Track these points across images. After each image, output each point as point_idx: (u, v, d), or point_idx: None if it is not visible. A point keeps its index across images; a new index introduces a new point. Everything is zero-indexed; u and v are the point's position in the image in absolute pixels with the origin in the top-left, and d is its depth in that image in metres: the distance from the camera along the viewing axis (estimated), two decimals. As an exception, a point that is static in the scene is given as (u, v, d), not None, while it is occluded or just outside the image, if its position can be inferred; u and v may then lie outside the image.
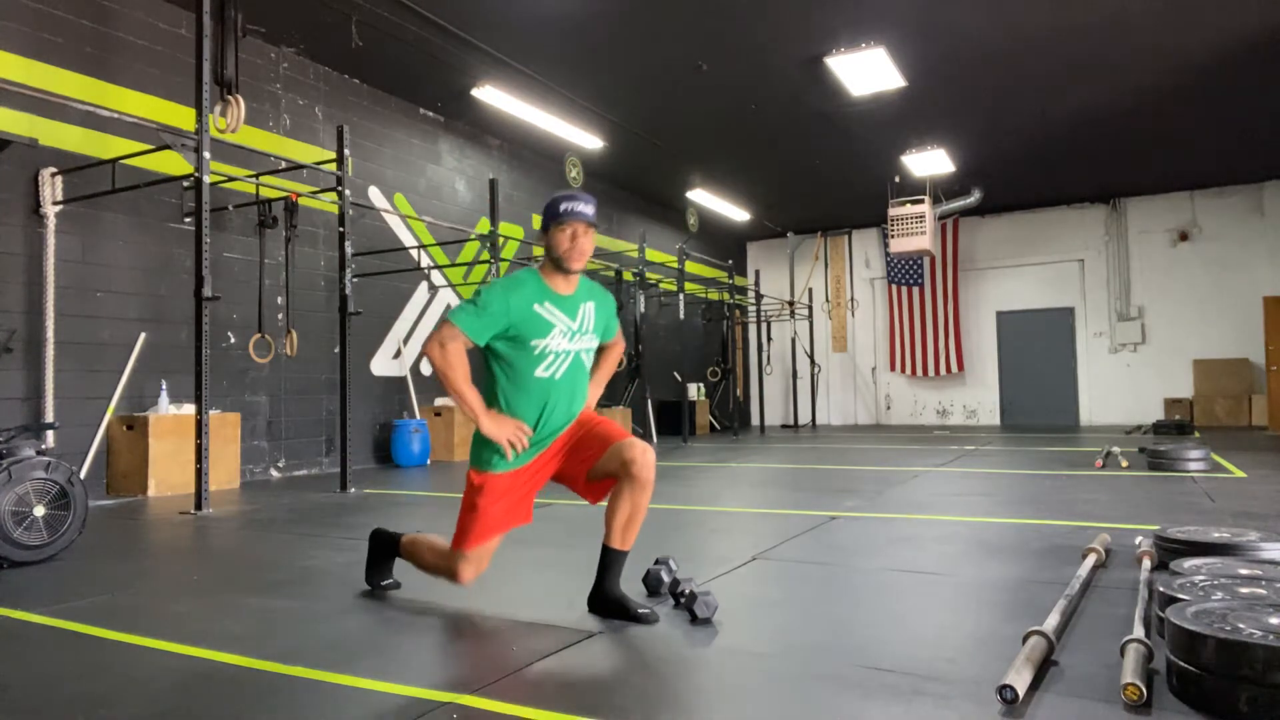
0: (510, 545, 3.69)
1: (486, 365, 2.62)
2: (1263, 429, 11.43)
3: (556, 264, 2.60)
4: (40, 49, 5.72)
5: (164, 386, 6.15)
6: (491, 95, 8.37)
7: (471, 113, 9.13)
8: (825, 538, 3.81)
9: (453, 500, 5.50)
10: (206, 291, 5.00)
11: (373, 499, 5.60)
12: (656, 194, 13.01)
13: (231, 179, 5.80)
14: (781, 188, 12.81)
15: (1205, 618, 1.83)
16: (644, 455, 2.46)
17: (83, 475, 5.58)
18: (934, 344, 14.79)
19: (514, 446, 2.50)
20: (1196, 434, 10.69)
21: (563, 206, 2.58)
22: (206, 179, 5.07)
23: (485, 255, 9.25)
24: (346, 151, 6.30)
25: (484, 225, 9.43)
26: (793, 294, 15.82)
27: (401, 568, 2.96)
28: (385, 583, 2.94)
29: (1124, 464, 6.76)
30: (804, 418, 15.64)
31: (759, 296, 14.14)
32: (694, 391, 13.02)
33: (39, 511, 3.52)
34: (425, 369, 8.91)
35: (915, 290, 14.95)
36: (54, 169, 5.68)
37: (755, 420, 15.80)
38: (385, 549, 2.94)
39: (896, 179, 11.88)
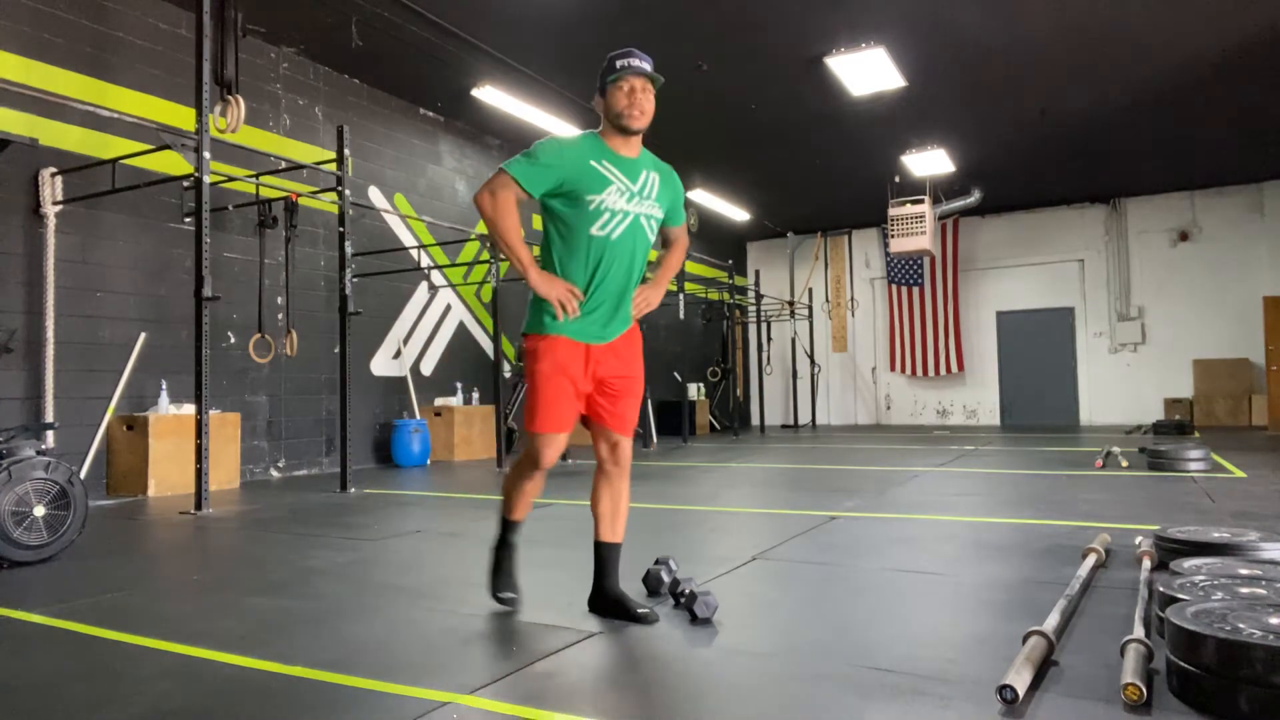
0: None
1: (544, 229, 2.53)
2: (1263, 429, 11.43)
3: (616, 125, 2.47)
4: (40, 49, 5.72)
5: (164, 386, 6.15)
6: (491, 95, 8.37)
7: (471, 113, 9.13)
8: (825, 538, 3.81)
9: (453, 500, 5.50)
10: (206, 291, 5.00)
11: (373, 499, 5.60)
12: (656, 194, 12.99)
13: (231, 179, 5.80)
14: (781, 188, 12.81)
15: (1205, 618, 1.83)
16: (629, 446, 2.56)
17: (83, 475, 5.58)
18: (934, 344, 14.79)
19: (564, 307, 2.38)
20: (1196, 434, 10.68)
21: (619, 63, 2.44)
22: (206, 179, 5.07)
23: (485, 255, 9.25)
24: (346, 151, 6.30)
25: (484, 225, 9.41)
26: (793, 294, 15.82)
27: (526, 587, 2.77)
28: (504, 595, 2.63)
29: (1124, 464, 6.76)
30: (804, 418, 15.64)
31: (759, 296, 14.14)
32: (694, 391, 13.02)
33: (39, 511, 3.52)
34: (425, 369, 8.91)
35: (915, 290, 14.95)
36: (54, 169, 5.68)
37: (755, 420, 15.79)
38: (501, 541, 2.68)
39: (896, 179, 11.88)
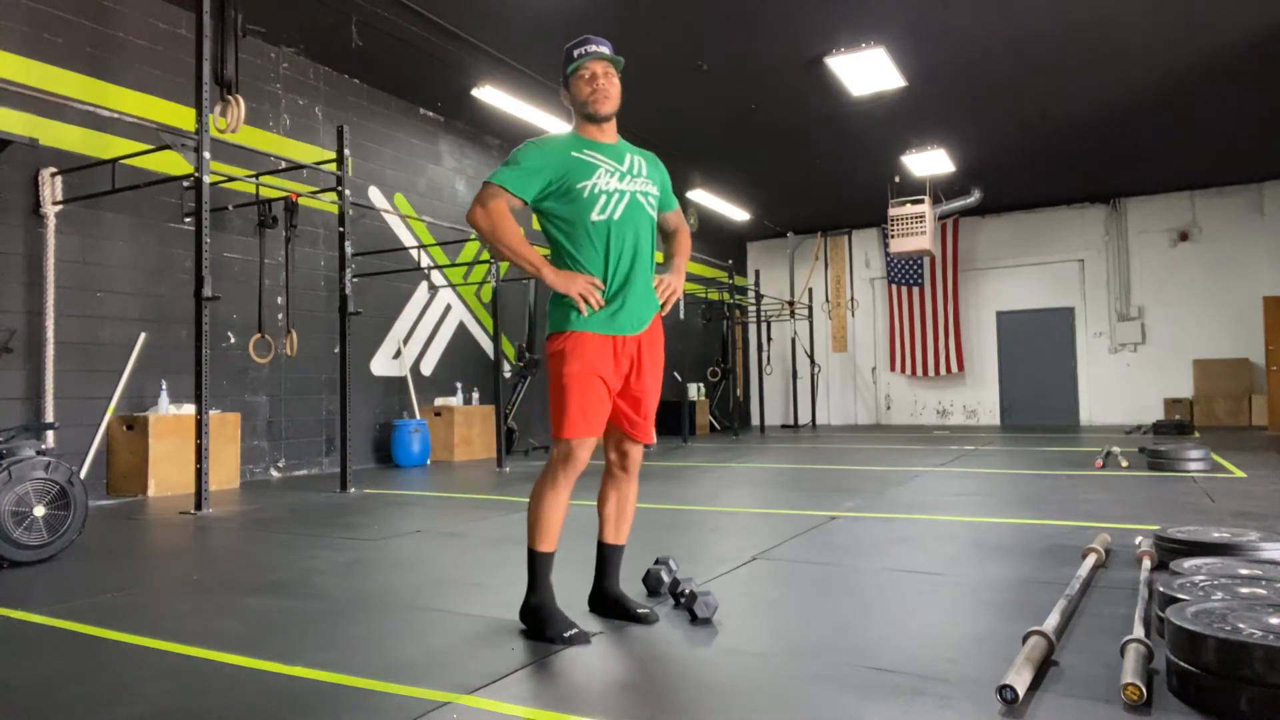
0: (510, 545, 3.69)
1: (547, 235, 2.47)
2: (1263, 429, 11.43)
3: (584, 114, 2.44)
4: (40, 49, 5.72)
5: (164, 386, 6.15)
6: (491, 95, 8.37)
7: (471, 113, 9.13)
8: (825, 538, 3.81)
9: (453, 500, 5.50)
10: (206, 291, 5.00)
11: (373, 499, 5.60)
12: (656, 194, 13.00)
13: (231, 179, 5.80)
14: (781, 188, 12.81)
15: (1205, 618, 1.83)
16: (640, 453, 2.53)
17: (83, 475, 5.58)
18: (934, 344, 14.79)
19: (588, 301, 2.31)
20: (1196, 434, 10.68)
21: (576, 51, 2.43)
22: (206, 179, 5.07)
23: (485, 255, 9.25)
24: (346, 151, 6.30)
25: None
26: (793, 294, 15.81)
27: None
28: (570, 633, 2.28)
29: (1124, 464, 6.76)
30: (804, 418, 15.64)
31: (759, 296, 14.13)
32: (694, 391, 13.02)
33: (39, 511, 3.52)
34: (425, 369, 8.91)
35: (915, 290, 14.95)
36: (54, 169, 5.68)
37: (755, 420, 15.78)
38: (535, 584, 2.40)
39: (896, 179, 11.88)
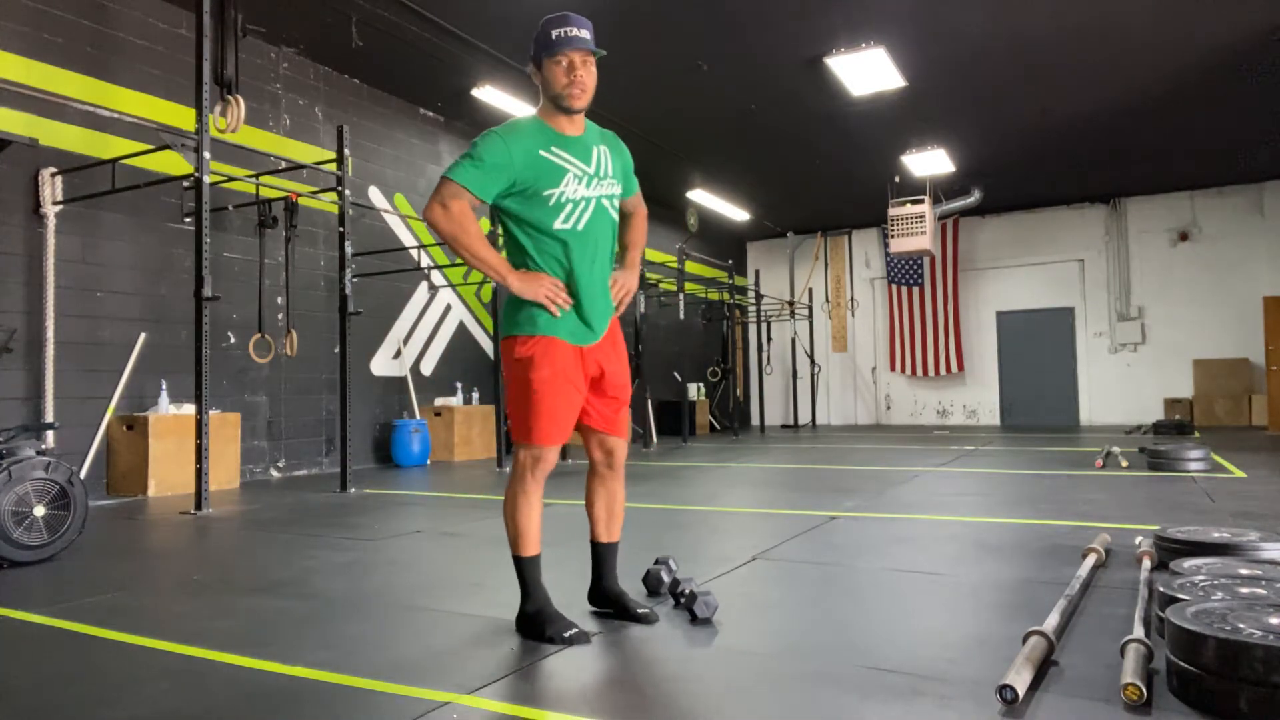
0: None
1: (505, 230, 2.38)
2: (1263, 429, 11.43)
3: (556, 104, 2.29)
4: (40, 49, 5.72)
5: (164, 386, 6.15)
6: (491, 95, 8.37)
7: (471, 113, 9.13)
8: (825, 538, 3.81)
9: (453, 500, 5.50)
10: (206, 291, 5.00)
11: (373, 499, 5.60)
12: (656, 194, 12.99)
13: (231, 179, 5.80)
14: (781, 188, 12.81)
15: (1205, 618, 1.83)
16: (624, 448, 2.51)
17: (83, 475, 5.58)
18: (934, 344, 14.79)
19: (554, 303, 2.27)
20: (1196, 434, 10.68)
21: (554, 33, 2.23)
22: (206, 179, 5.07)
23: (485, 255, 9.23)
24: (346, 151, 6.30)
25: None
26: (793, 294, 15.82)
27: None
28: (570, 633, 2.26)
29: (1124, 464, 6.76)
30: (804, 418, 15.64)
31: (759, 296, 14.13)
32: (694, 391, 13.02)
33: (39, 511, 3.52)
34: (425, 369, 8.91)
35: (915, 290, 14.95)
36: (54, 169, 5.68)
37: (755, 420, 15.79)
38: (529, 593, 2.37)
39: (896, 179, 11.88)
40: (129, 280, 6.18)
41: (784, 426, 15.24)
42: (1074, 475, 6.18)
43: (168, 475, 5.88)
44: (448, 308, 9.28)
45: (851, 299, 15.76)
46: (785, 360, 15.88)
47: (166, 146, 5.47)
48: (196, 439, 5.01)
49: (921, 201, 11.74)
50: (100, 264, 6.01)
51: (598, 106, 9.40)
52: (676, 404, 11.96)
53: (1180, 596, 2.07)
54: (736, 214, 13.85)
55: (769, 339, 15.13)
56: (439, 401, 8.73)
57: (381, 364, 8.36)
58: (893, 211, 11.90)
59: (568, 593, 2.75)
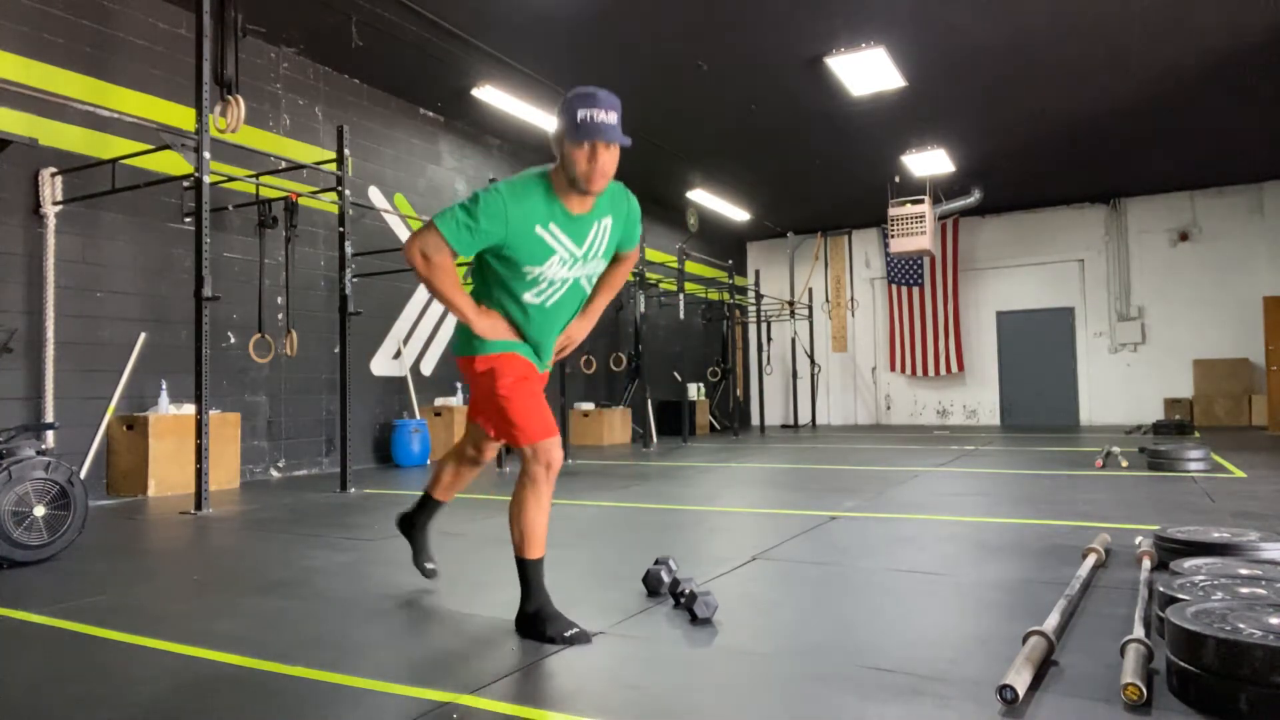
0: (510, 545, 3.68)
1: (478, 267, 2.41)
2: (1263, 429, 11.43)
3: (573, 182, 2.22)
4: (40, 49, 5.72)
5: (164, 386, 6.15)
6: (491, 95, 8.37)
7: (471, 113, 9.13)
8: (825, 538, 3.81)
9: (454, 500, 5.49)
10: (206, 291, 5.00)
11: (373, 499, 5.60)
12: (656, 194, 13.01)
13: (231, 179, 5.80)
14: (781, 188, 12.81)
15: (1205, 618, 1.83)
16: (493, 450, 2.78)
17: (83, 475, 5.58)
18: (934, 344, 14.79)
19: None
20: (1196, 434, 10.68)
21: (579, 116, 2.14)
22: (206, 179, 5.07)
23: (485, 255, 9.24)
24: (346, 151, 6.30)
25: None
26: (793, 294, 15.82)
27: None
28: (570, 633, 2.27)
29: (1124, 464, 6.76)
30: (804, 418, 15.64)
31: (759, 296, 14.14)
32: (694, 391, 13.02)
33: (39, 511, 3.52)
34: (426, 369, 8.91)
35: (915, 290, 14.95)
36: (54, 169, 5.68)
37: (755, 420, 15.79)
38: (535, 597, 2.37)
39: (896, 179, 11.88)
40: (129, 280, 6.18)
41: (784, 426, 15.24)
42: (1074, 475, 6.18)
43: (168, 475, 5.88)
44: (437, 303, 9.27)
45: (851, 299, 15.77)
46: (785, 360, 15.88)
47: (166, 146, 5.47)
48: (196, 439, 5.01)
49: (921, 201, 11.74)
50: (100, 264, 6.01)
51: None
52: (676, 404, 11.96)
53: (1180, 596, 2.07)
54: (736, 214, 13.86)
55: (769, 339, 15.13)
56: (439, 401, 8.73)
57: (381, 364, 8.36)
58: (893, 211, 11.90)
59: (568, 593, 2.75)
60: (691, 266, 13.42)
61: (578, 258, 2.33)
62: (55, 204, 5.68)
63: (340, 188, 6.23)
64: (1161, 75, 8.33)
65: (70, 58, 5.89)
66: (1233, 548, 2.79)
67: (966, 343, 14.63)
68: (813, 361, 15.45)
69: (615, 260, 2.55)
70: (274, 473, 7.18)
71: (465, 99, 8.62)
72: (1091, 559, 2.99)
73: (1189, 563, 2.56)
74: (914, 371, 14.99)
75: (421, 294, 8.90)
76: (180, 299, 6.38)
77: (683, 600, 2.51)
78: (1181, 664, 1.77)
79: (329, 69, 7.91)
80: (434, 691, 1.91)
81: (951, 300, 14.63)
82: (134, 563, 3.61)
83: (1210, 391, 12.65)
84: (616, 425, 10.98)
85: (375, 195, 8.36)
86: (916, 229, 11.75)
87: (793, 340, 15.51)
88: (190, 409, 6.00)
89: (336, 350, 6.73)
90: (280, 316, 7.17)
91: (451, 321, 9.32)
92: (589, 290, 2.49)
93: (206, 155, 5.09)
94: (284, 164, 6.20)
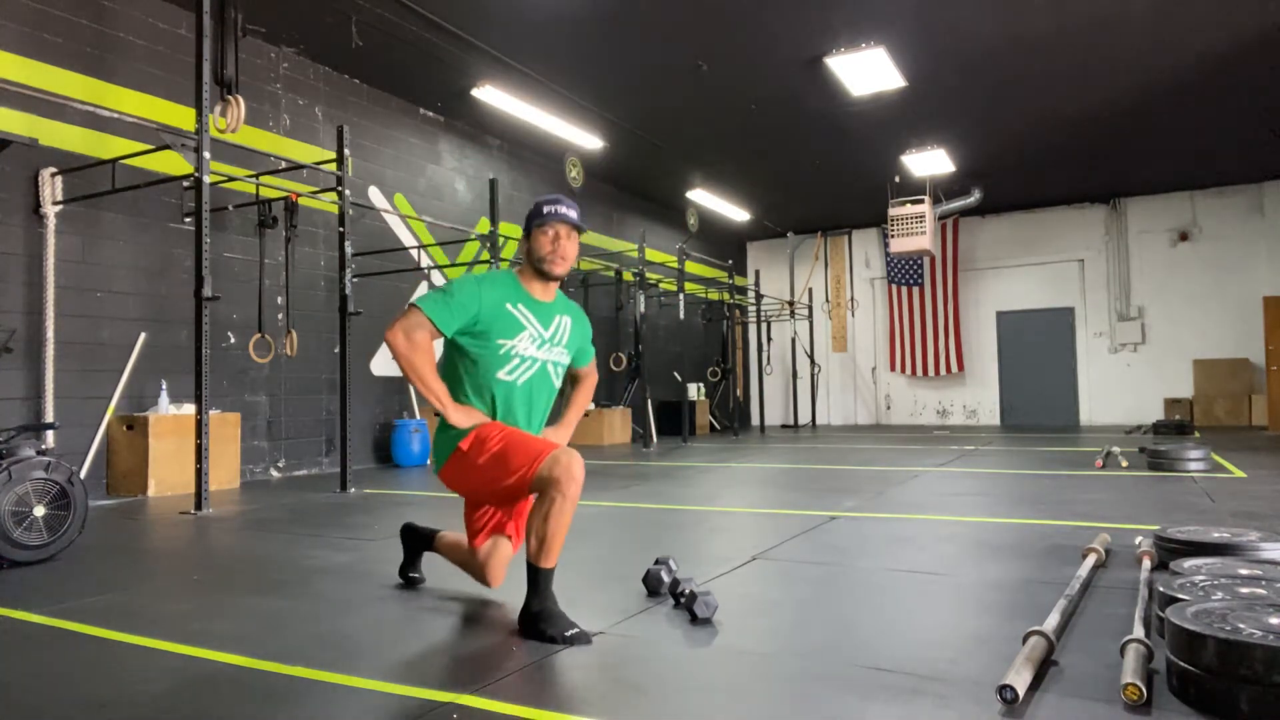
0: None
1: (448, 359, 2.59)
2: (1263, 429, 11.43)
3: (537, 269, 2.56)
4: (40, 49, 5.72)
5: (164, 386, 6.15)
6: (491, 95, 8.37)
7: (471, 113, 9.13)
8: (825, 538, 3.81)
9: (453, 500, 5.49)
10: (206, 291, 5.00)
11: (373, 499, 5.60)
12: (656, 194, 13.01)
13: (231, 179, 5.80)
14: (781, 188, 12.81)
15: (1205, 618, 1.83)
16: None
17: (83, 475, 5.58)
18: (934, 344, 14.79)
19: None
20: (1196, 434, 10.68)
21: (546, 208, 2.54)
22: (206, 179, 5.07)
23: (485, 255, 9.25)
24: (346, 151, 6.30)
25: (484, 225, 9.43)
26: (793, 294, 15.82)
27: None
28: (570, 633, 2.27)
29: (1124, 464, 6.76)
30: (804, 418, 15.64)
31: (759, 296, 14.14)
32: (694, 391, 13.02)
33: (39, 511, 3.52)
34: (425, 369, 8.90)
35: (915, 290, 14.95)
36: (54, 169, 5.68)
37: (755, 420, 15.79)
38: (536, 585, 2.39)
39: (896, 179, 11.88)
40: (129, 280, 6.18)
41: (784, 426, 15.24)
42: (1074, 475, 6.18)
43: (168, 475, 5.88)
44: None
45: (851, 299, 15.77)
46: (785, 360, 15.88)
47: (166, 146, 5.47)
48: (196, 439, 5.01)
49: (921, 201, 11.74)
50: (100, 264, 6.01)
51: (600, 108, 9.39)
52: (676, 404, 11.96)
53: (1180, 596, 2.07)
54: (736, 214, 13.86)
55: (769, 339, 15.13)
56: (439, 401, 8.72)
57: (382, 364, 8.36)
58: (893, 211, 11.89)
59: (568, 593, 2.75)
60: (691, 266, 13.42)
61: (545, 339, 2.57)
62: (55, 204, 5.68)
63: (340, 188, 6.23)
64: (1162, 75, 8.33)
65: (70, 58, 5.89)
66: (1233, 548, 2.79)
67: (966, 343, 14.63)
68: (813, 361, 15.45)
69: (576, 380, 2.86)
70: (274, 473, 7.18)
71: (465, 99, 8.62)
72: (1091, 559, 2.99)
73: (1189, 563, 2.56)
74: (914, 371, 14.99)
75: (421, 294, 8.89)
76: (180, 299, 6.38)
77: (683, 600, 2.51)
78: (1181, 664, 1.77)
79: (329, 69, 7.91)
80: (434, 691, 1.91)
81: (951, 300, 14.63)
82: (134, 563, 3.61)
83: (1210, 391, 12.65)
84: (616, 425, 10.98)
85: (375, 195, 8.36)
86: (916, 229, 11.75)
87: (793, 340, 15.51)
88: (190, 409, 6.00)
89: (336, 350, 6.73)
90: (280, 316, 7.17)
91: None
92: (557, 383, 2.67)
93: (206, 155, 5.09)
94: (284, 164, 6.20)
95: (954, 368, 14.62)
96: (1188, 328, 13.07)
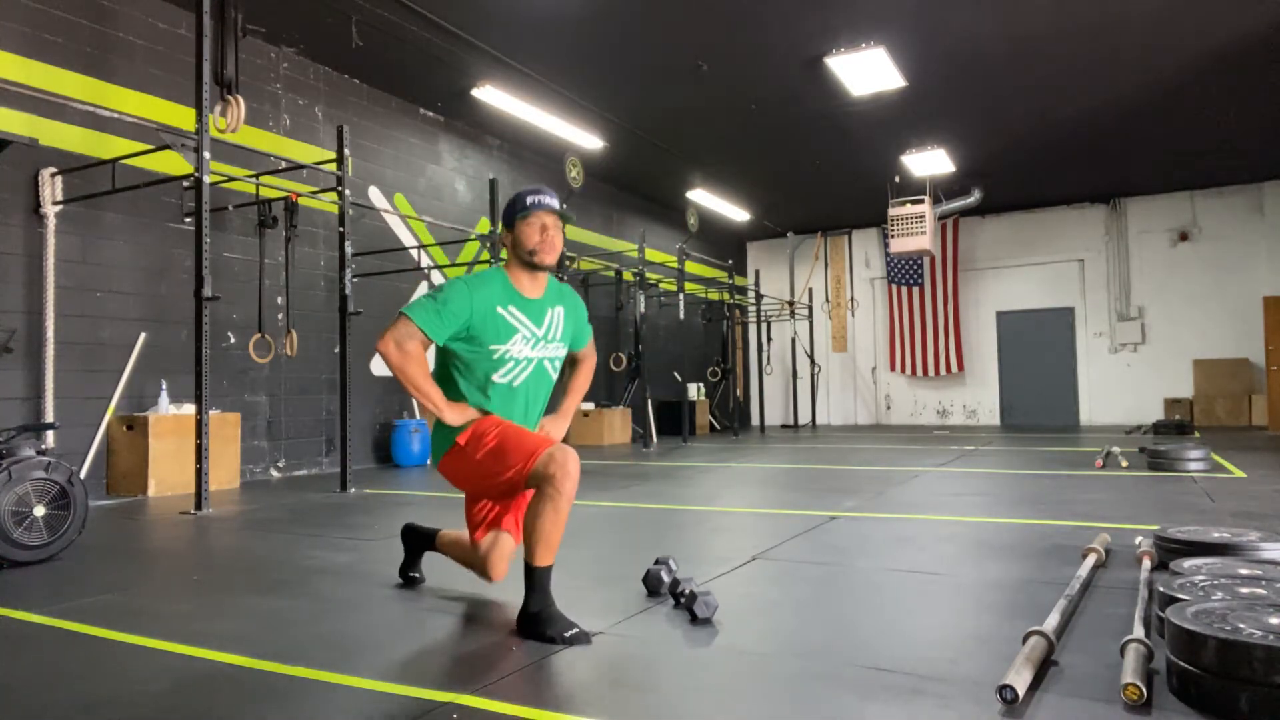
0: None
1: (442, 362, 2.58)
2: (1263, 429, 11.43)
3: (525, 262, 2.52)
4: (40, 49, 5.72)
5: (164, 386, 6.15)
6: (491, 95, 8.37)
7: (471, 113, 9.13)
8: (825, 538, 3.81)
9: (453, 500, 5.50)
10: (206, 291, 5.00)
11: (373, 499, 5.60)
12: (656, 194, 13.02)
13: (231, 179, 5.80)
14: (781, 188, 12.81)
15: (1205, 618, 1.83)
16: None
17: (83, 475, 5.58)
18: (934, 344, 14.79)
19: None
20: (1196, 434, 10.68)
21: (529, 199, 2.51)
22: (206, 179, 5.07)
23: (485, 255, 9.25)
24: (346, 151, 6.30)
25: (484, 225, 9.44)
26: (793, 294, 15.82)
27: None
28: (570, 634, 2.26)
29: (1124, 464, 6.76)
30: (804, 418, 15.64)
31: (759, 296, 14.14)
32: (694, 391, 13.02)
33: (39, 511, 3.52)
34: (425, 369, 8.90)
35: (915, 290, 14.95)
36: (54, 169, 5.68)
37: (755, 420, 15.79)
38: (534, 585, 2.37)
39: (896, 179, 11.88)
40: (129, 280, 6.18)
41: (784, 426, 15.24)
42: (1074, 475, 6.18)
43: (168, 475, 5.88)
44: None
45: (851, 299, 15.77)
46: (785, 360, 15.88)
47: (166, 146, 5.47)
48: (196, 439, 5.01)
49: (921, 201, 11.74)
50: (100, 264, 6.01)
51: (600, 108, 9.39)
52: (676, 404, 11.96)
53: (1180, 596, 2.07)
54: (736, 214, 13.86)
55: (769, 339, 15.13)
56: (439, 401, 8.72)
57: (381, 364, 8.36)
58: (893, 211, 11.89)
59: (568, 593, 2.75)
60: (691, 266, 13.42)
61: (539, 337, 2.54)
62: (55, 204, 5.68)
63: (340, 188, 6.23)
64: (1161, 75, 8.33)
65: (70, 58, 5.89)
66: (1233, 548, 2.79)
67: (966, 343, 14.63)
68: (813, 361, 15.46)
69: (575, 363, 2.82)
70: (274, 473, 7.18)
71: (465, 99, 8.62)
72: (1091, 559, 2.99)
73: (1189, 563, 2.56)
74: (914, 371, 14.99)
75: (421, 294, 8.90)
76: (180, 299, 6.38)
77: (683, 600, 2.51)
78: (1181, 664, 1.77)
79: (329, 69, 7.91)
80: (434, 691, 1.91)
81: (951, 300, 14.63)
82: (134, 563, 3.61)
83: (1210, 391, 12.65)
84: (616, 425, 10.98)
85: (375, 195, 8.36)
86: (916, 229, 11.75)
87: (793, 340, 15.51)
88: (190, 409, 6.00)
89: (336, 350, 6.73)
90: (280, 316, 7.17)
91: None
92: (554, 376, 2.65)
93: (206, 155, 5.09)
94: (284, 164, 6.20)
95: (954, 368, 14.62)
96: (1188, 328, 13.07)
